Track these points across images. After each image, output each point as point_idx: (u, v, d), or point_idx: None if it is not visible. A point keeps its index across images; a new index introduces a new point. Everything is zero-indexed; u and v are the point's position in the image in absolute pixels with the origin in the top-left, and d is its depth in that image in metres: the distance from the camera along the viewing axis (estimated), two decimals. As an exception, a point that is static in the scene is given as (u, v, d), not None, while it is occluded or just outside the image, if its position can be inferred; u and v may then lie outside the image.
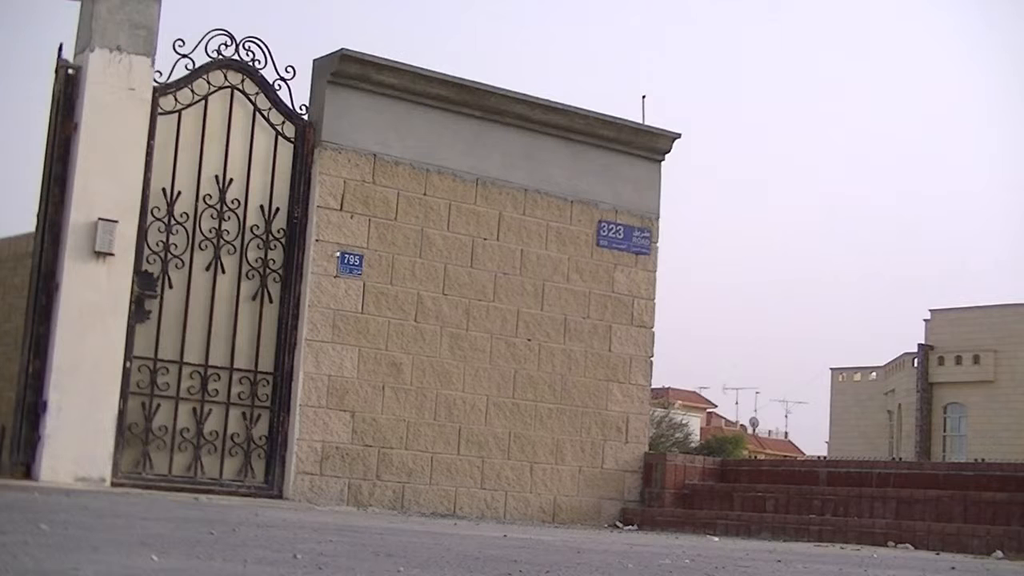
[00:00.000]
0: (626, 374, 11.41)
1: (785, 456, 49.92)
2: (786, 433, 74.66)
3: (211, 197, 9.74)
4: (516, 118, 11.02)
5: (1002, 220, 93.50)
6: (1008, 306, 46.86)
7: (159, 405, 9.40)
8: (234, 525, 5.91)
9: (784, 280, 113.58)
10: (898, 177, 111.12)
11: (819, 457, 37.20)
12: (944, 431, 48.89)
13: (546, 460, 10.92)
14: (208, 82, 9.79)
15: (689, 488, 11.24)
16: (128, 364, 9.22)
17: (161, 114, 9.54)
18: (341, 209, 10.11)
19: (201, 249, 9.67)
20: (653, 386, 12.22)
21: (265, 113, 9.99)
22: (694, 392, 65.12)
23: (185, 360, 9.52)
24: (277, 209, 9.98)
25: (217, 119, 9.82)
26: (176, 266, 9.56)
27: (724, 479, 11.55)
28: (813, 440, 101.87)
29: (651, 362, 11.63)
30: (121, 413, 9.15)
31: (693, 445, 37.28)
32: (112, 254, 9.11)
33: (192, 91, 9.71)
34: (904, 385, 50.86)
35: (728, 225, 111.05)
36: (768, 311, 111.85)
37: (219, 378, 9.64)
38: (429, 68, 10.56)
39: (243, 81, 9.92)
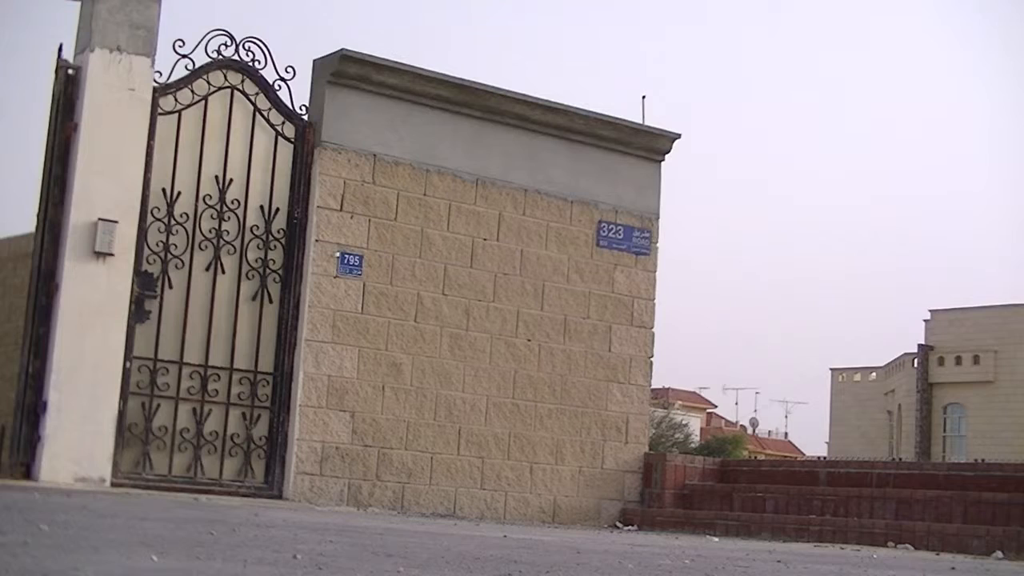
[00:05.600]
0: (626, 374, 11.41)
1: (785, 456, 49.97)
2: (786, 433, 74.71)
3: (211, 197, 9.74)
4: (516, 118, 11.02)
5: (1002, 220, 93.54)
6: (1008, 306, 46.87)
7: (159, 405, 9.40)
8: (234, 525, 5.90)
9: (784, 280, 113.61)
10: (898, 177, 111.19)
11: (819, 457, 37.24)
12: (944, 431, 48.89)
13: (546, 460, 10.92)
14: (208, 82, 9.79)
15: (689, 488, 11.23)
16: (128, 364, 9.22)
17: (161, 114, 9.54)
18: (341, 209, 10.11)
19: (201, 249, 9.67)
20: (653, 386, 12.22)
21: (265, 113, 9.99)
22: (694, 392, 65.14)
23: (185, 360, 9.52)
24: (277, 209, 9.98)
25: (217, 119, 9.82)
26: (176, 266, 9.56)
27: (724, 479, 11.54)
28: (813, 440, 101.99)
29: (651, 362, 11.63)
30: (121, 413, 9.15)
31: (693, 445, 37.31)
32: (112, 254, 9.11)
33: (192, 91, 9.71)
34: (904, 385, 50.87)
35: (728, 225, 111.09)
36: (768, 311, 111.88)
37: (219, 378, 9.64)
38: (429, 68, 10.56)
39: (243, 81, 9.92)
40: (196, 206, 9.67)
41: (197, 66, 9.72)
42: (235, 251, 9.79)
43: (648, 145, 11.72)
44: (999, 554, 8.38)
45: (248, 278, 9.84)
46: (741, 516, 10.36)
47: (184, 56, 9.66)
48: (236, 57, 9.89)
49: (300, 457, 9.77)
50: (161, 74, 9.54)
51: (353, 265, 10.11)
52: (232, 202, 9.81)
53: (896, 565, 6.68)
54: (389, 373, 10.21)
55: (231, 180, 9.82)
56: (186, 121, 9.68)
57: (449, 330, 10.51)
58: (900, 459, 37.58)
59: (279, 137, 10.03)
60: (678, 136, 11.82)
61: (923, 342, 49.26)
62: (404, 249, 10.36)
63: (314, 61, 10.37)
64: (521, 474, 10.77)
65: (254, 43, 9.95)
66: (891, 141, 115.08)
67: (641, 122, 11.69)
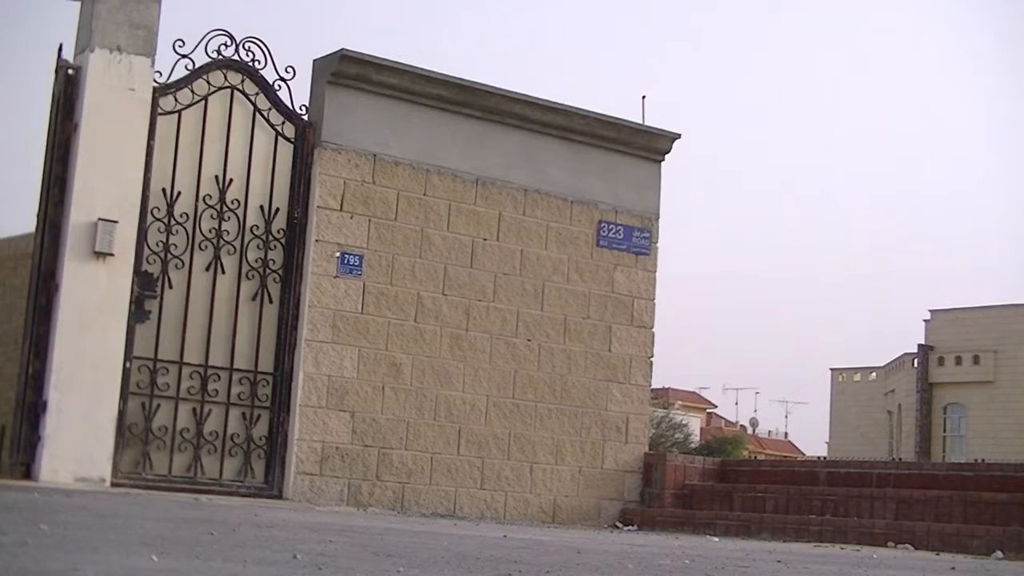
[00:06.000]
0: (626, 374, 11.41)
1: (785, 456, 49.95)
2: (786, 433, 74.69)
3: (211, 197, 9.74)
4: (516, 118, 11.02)
5: (1002, 220, 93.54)
6: (1008, 306, 46.86)
7: (159, 405, 9.40)
8: (234, 525, 5.91)
9: (784, 280, 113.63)
10: (898, 177, 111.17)
11: (819, 457, 37.22)
12: (944, 431, 48.89)
13: (546, 460, 10.91)
14: (208, 82, 9.78)
15: (689, 488, 11.23)
16: (128, 364, 9.22)
17: (161, 114, 9.54)
18: (341, 209, 10.11)
19: (201, 249, 9.67)
20: (653, 386, 12.22)
21: (265, 113, 9.99)
22: (694, 392, 65.12)
23: (185, 360, 9.52)
24: (277, 209, 9.98)
25: (217, 119, 9.82)
26: (176, 266, 9.56)
27: (724, 479, 11.54)
28: (813, 440, 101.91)
29: (651, 362, 11.63)
30: (121, 413, 9.15)
31: (693, 445, 37.32)
32: (112, 254, 9.11)
33: (192, 91, 9.71)
34: (904, 385, 50.86)
35: (728, 225, 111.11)
36: (768, 311, 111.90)
37: (219, 378, 9.64)
38: (429, 68, 10.56)
39: (243, 81, 9.92)
40: (196, 206, 9.67)
41: (197, 66, 9.72)
42: (235, 251, 9.79)
43: (648, 145, 11.72)
44: (999, 554, 8.38)
45: (248, 278, 9.84)
46: (741, 516, 10.36)
47: (184, 56, 9.66)
48: (236, 57, 9.89)
49: (300, 457, 9.77)
50: (161, 74, 9.54)
51: (353, 265, 10.10)
52: (232, 202, 9.81)
53: (896, 565, 6.68)
54: (389, 373, 10.20)
55: (231, 180, 9.82)
56: (186, 121, 9.68)
57: (449, 330, 10.51)
58: (900, 459, 37.58)
59: (279, 137, 10.03)
60: (678, 136, 11.82)
61: (923, 342, 49.26)
62: (404, 249, 10.36)
63: (314, 61, 10.37)
64: (521, 474, 10.77)
65: (254, 43, 9.95)
66: (891, 141, 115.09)
67: (641, 122, 11.69)
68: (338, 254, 10.05)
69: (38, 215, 9.41)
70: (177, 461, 9.44)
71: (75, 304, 9.02)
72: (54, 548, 3.97)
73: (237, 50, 9.89)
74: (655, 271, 11.70)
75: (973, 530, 8.88)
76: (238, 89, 9.90)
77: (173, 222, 9.57)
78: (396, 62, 10.40)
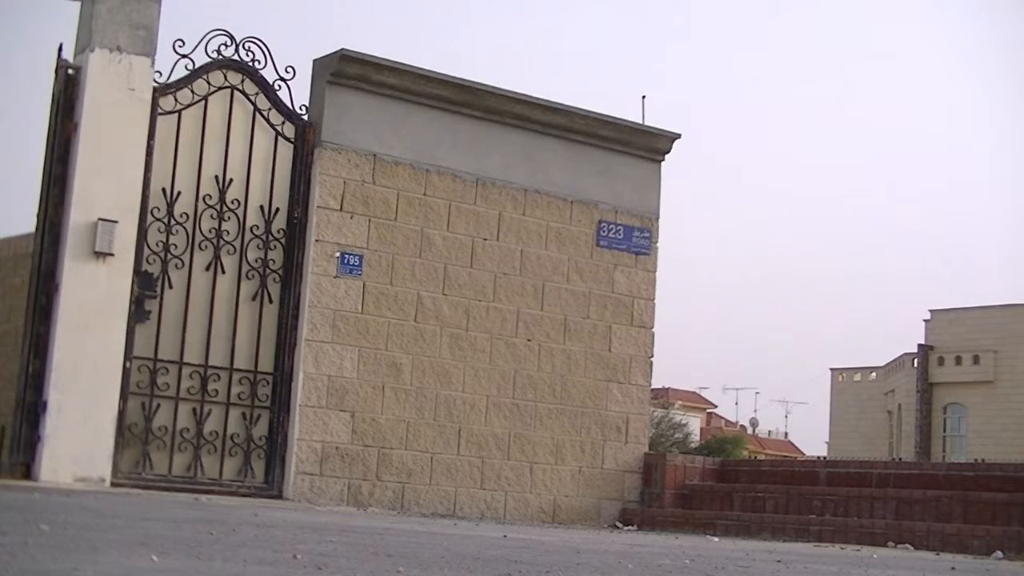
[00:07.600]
0: (626, 374, 11.41)
1: (785, 456, 49.92)
2: (786, 433, 74.67)
3: (211, 197, 9.74)
4: (516, 118, 11.02)
5: (1003, 219, 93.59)
6: (1008, 306, 46.85)
7: (159, 405, 9.40)
8: (234, 525, 5.90)
9: (784, 280, 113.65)
10: (898, 176, 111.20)
11: (819, 457, 37.19)
12: (944, 431, 48.88)
13: (546, 460, 10.91)
14: (208, 82, 9.78)
15: (689, 488, 11.23)
16: (128, 364, 9.22)
17: (161, 114, 9.54)
18: (341, 209, 10.11)
19: (201, 249, 9.67)
20: (653, 386, 12.22)
21: (265, 113, 9.98)
22: (694, 392, 65.10)
23: (185, 360, 9.52)
24: (277, 209, 9.98)
25: (217, 119, 9.82)
26: (176, 266, 9.56)
27: (724, 479, 11.54)
28: (813, 440, 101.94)
29: (651, 362, 11.63)
30: (121, 413, 9.15)
31: (693, 445, 37.31)
32: (112, 254, 9.11)
33: (192, 91, 9.71)
34: (904, 385, 50.85)
35: (728, 225, 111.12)
36: (768, 311, 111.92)
37: (219, 378, 9.64)
38: (429, 68, 10.56)
39: (243, 81, 9.92)
40: (196, 206, 9.67)
41: (197, 66, 9.72)
42: (235, 251, 9.79)
43: (648, 145, 11.72)
44: (999, 554, 8.38)
45: (248, 278, 9.84)
46: (741, 516, 10.36)
47: (184, 56, 9.66)
48: (236, 57, 9.89)
49: (300, 457, 9.77)
50: (161, 74, 9.54)
51: (353, 265, 10.10)
52: (232, 202, 9.81)
53: (896, 565, 6.68)
54: (389, 373, 10.20)
55: (231, 180, 9.82)
56: (186, 121, 9.68)
57: (449, 330, 10.51)
58: (900, 459, 37.57)
59: (279, 137, 10.03)
60: (678, 136, 11.82)
61: (923, 342, 49.25)
62: (404, 249, 10.36)
63: (314, 61, 10.37)
64: (521, 474, 10.77)
65: (254, 43, 9.95)
66: (891, 141, 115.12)
67: (641, 122, 11.69)
68: (338, 254, 10.05)
69: (38, 215, 9.41)
70: (177, 461, 9.44)
71: (75, 304, 9.02)
72: (54, 548, 3.97)
73: (237, 50, 9.89)
74: (655, 271, 11.70)
75: (973, 530, 8.88)
76: (238, 89, 9.90)
77: (173, 222, 9.57)
78: (396, 62, 10.40)
